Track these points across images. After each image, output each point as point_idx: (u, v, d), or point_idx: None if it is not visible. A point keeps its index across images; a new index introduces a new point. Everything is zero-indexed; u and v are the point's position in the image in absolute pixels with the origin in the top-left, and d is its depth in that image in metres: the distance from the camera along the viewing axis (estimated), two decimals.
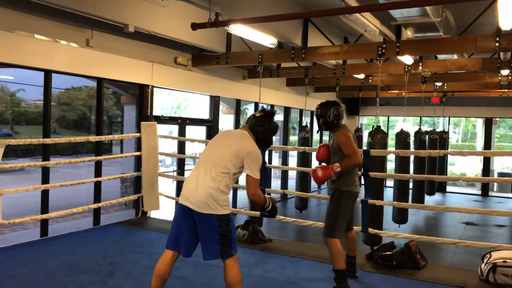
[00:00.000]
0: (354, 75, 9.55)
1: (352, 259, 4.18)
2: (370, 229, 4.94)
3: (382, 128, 6.53)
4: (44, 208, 5.65)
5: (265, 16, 5.37)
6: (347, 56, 7.06)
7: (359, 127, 12.17)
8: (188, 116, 9.19)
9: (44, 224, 5.71)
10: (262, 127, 3.18)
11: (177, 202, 8.16)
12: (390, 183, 9.93)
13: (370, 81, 10.05)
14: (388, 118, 15.70)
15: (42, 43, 5.49)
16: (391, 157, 12.09)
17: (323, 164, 4.02)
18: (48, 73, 5.69)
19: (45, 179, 5.62)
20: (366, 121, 17.91)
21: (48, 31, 5.55)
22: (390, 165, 14.21)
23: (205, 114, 9.33)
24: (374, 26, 5.78)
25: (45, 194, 5.67)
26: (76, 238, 5.38)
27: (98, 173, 6.34)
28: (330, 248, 3.78)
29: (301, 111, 12.43)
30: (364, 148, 7.42)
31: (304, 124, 10.02)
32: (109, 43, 6.37)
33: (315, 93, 12.62)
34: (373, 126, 6.29)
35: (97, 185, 6.35)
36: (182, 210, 3.07)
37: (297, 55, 7.03)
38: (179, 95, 13.73)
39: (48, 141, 5.14)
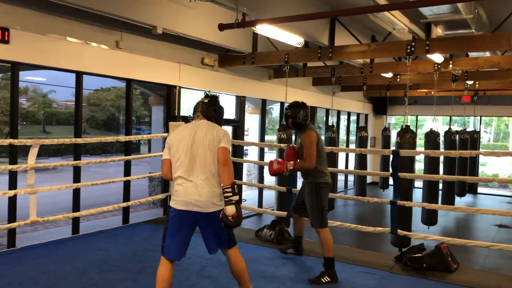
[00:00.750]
0: (381, 74, 9.40)
1: (300, 238, 4.74)
2: (399, 231, 4.86)
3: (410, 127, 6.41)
4: (76, 206, 5.80)
5: (292, 16, 5.35)
6: (375, 54, 6.96)
7: (386, 126, 11.98)
8: None
9: (76, 222, 5.86)
10: (214, 111, 3.32)
11: None
12: (417, 183, 9.72)
13: (398, 80, 9.87)
14: (417, 117, 15.39)
15: (74, 45, 5.64)
16: (419, 157, 11.87)
17: (279, 159, 4.34)
18: (79, 75, 5.83)
19: (77, 178, 5.76)
20: (394, 121, 17.61)
21: (79, 33, 5.69)
22: (418, 166, 13.96)
23: (230, 114, 9.37)
24: (403, 24, 5.68)
25: (76, 192, 5.81)
26: (106, 236, 5.49)
27: (127, 172, 6.46)
28: (322, 238, 4.13)
29: (327, 110, 12.33)
30: (393, 148, 7.30)
31: (330, 123, 9.93)
32: (138, 45, 6.48)
33: (342, 92, 12.50)
34: (402, 125, 6.17)
35: (127, 184, 6.47)
36: (183, 216, 3.10)
37: (323, 54, 6.98)
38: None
39: (80, 141, 5.27)
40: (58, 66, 5.56)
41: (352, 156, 13.73)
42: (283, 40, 6.33)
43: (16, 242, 5.24)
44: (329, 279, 3.99)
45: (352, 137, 14.23)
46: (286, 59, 7.22)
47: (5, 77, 19.48)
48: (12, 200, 5.10)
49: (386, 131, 11.36)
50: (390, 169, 4.91)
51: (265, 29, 5.64)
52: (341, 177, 13.65)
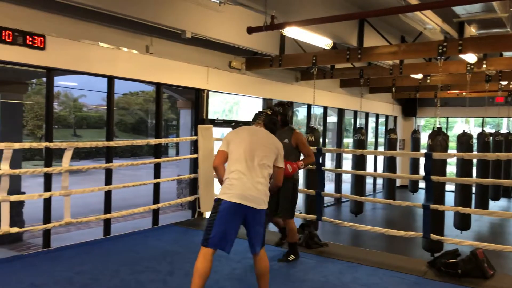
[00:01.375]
0: (411, 75, 9.23)
1: (284, 229, 4.93)
2: (432, 235, 4.74)
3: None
4: (107, 208, 5.91)
5: (321, 18, 5.32)
6: (405, 55, 6.84)
7: (416, 129, 11.75)
8: (240, 119, 9.28)
9: (107, 223, 5.97)
10: (273, 124, 3.69)
11: None
12: (449, 187, 9.49)
13: (428, 81, 9.65)
14: (447, 119, 15.02)
15: (106, 50, 5.76)
16: (450, 160, 11.58)
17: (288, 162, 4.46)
18: (111, 79, 5.95)
19: (108, 180, 5.88)
20: (423, 123, 17.24)
21: (111, 39, 5.82)
22: (449, 169, 13.61)
23: None
24: (435, 24, 5.55)
25: (108, 194, 5.93)
26: (137, 237, 5.57)
27: (157, 174, 6.55)
28: (289, 227, 4.61)
29: (355, 112, 12.18)
30: (423, 150, 7.14)
31: (358, 126, 9.81)
32: (167, 49, 6.57)
33: (370, 94, 12.33)
34: (433, 127, 6.04)
35: (156, 186, 6.56)
36: (236, 208, 3.18)
37: (352, 55, 6.91)
38: (230, 99, 13.92)
39: (112, 144, 5.38)
40: (91, 71, 5.70)
41: (380, 159, 13.54)
42: (311, 42, 6.29)
43: (51, 243, 5.39)
44: (294, 257, 4.65)
45: (381, 140, 14.01)
46: (314, 61, 7.18)
47: (38, 82, 20.13)
48: (47, 202, 5.24)
49: (415, 133, 11.14)
50: (422, 172, 4.80)
51: (293, 32, 5.62)
52: (369, 180, 13.45)
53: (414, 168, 10.97)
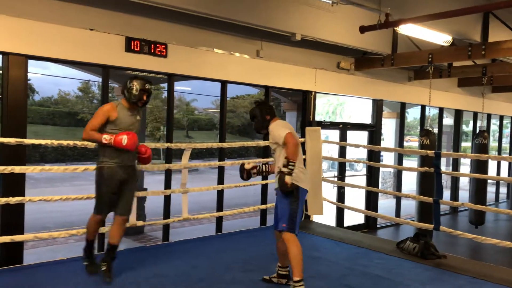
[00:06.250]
0: None
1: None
2: None
3: None
4: (220, 206, 6.18)
5: (440, 13, 4.97)
6: None
7: None
8: (344, 121, 9.06)
9: (219, 221, 6.25)
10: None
11: (338, 208, 8.05)
12: None
13: None
14: None
15: (219, 56, 6.04)
16: None
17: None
18: (224, 84, 6.22)
19: (221, 179, 6.14)
20: None
21: (224, 45, 6.08)
22: None
23: (364, 119, 9.08)
24: None
25: (220, 193, 6.20)
26: (246, 236, 5.73)
27: (264, 176, 6.67)
28: (124, 228, 3.93)
29: (475, 114, 11.16)
30: None
31: (481, 128, 8.95)
32: (277, 53, 6.67)
33: (492, 94, 11.19)
34: None
35: (264, 187, 6.70)
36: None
37: (474, 52, 6.33)
38: (334, 100, 13.68)
39: (225, 145, 5.61)
40: (206, 76, 6.02)
41: (504, 166, 12.24)
42: (428, 39, 5.92)
43: (170, 237, 5.80)
44: None
45: (505, 144, 12.66)
46: (430, 59, 6.73)
47: (156, 87, 21.96)
48: (167, 198, 5.65)
49: None
50: None
51: (408, 29, 5.34)
52: (491, 189, 12.22)
53: None
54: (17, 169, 3.93)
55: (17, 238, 4.13)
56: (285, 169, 3.44)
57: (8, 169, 3.89)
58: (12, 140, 3.94)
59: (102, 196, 3.77)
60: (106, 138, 3.60)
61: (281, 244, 3.77)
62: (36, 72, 22.84)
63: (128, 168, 3.80)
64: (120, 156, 3.70)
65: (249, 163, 4.11)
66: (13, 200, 3.93)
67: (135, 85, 3.68)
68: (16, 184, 4.52)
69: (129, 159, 3.79)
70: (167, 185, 5.56)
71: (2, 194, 4.36)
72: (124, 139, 3.63)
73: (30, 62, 4.62)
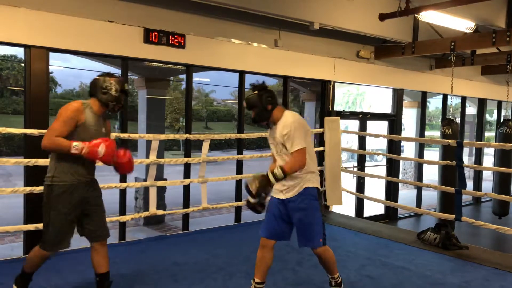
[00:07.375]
0: None
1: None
2: None
3: None
4: (238, 196, 6.21)
5: None
6: None
7: None
8: (364, 110, 8.95)
9: (238, 211, 6.27)
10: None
11: (358, 199, 7.99)
12: None
13: None
14: None
15: (237, 46, 6.02)
16: None
17: None
18: (242, 74, 6.21)
19: (239, 170, 6.16)
20: None
21: (242, 35, 6.06)
22: None
23: (384, 108, 8.95)
24: None
25: (239, 183, 6.22)
26: None
27: None
28: (107, 249, 3.13)
29: (499, 103, 10.89)
30: None
31: (505, 117, 8.72)
32: (295, 42, 6.62)
33: None
34: None
35: None
36: None
37: (499, 39, 6.14)
38: (354, 90, 13.47)
39: (243, 136, 5.63)
40: (224, 67, 6.01)
41: None
42: (450, 26, 5.78)
43: (189, 226, 5.86)
44: None
45: None
46: (452, 46, 6.56)
47: (175, 79, 22.06)
48: (187, 188, 5.70)
49: None
50: None
51: (430, 16, 5.22)
52: None
53: None
54: (41, 161, 4.02)
55: None
56: (273, 180, 3.07)
57: (32, 161, 3.98)
58: (35, 132, 4.02)
59: (58, 224, 2.87)
60: (76, 146, 2.74)
61: (269, 254, 3.36)
62: (57, 65, 23.25)
63: (90, 182, 3.02)
64: (81, 168, 2.90)
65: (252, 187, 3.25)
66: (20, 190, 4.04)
67: (114, 85, 2.92)
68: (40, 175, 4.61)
69: (89, 172, 3.01)
70: (186, 175, 5.61)
71: (25, 184, 4.46)
72: (101, 147, 2.80)
73: (51, 54, 4.69)
